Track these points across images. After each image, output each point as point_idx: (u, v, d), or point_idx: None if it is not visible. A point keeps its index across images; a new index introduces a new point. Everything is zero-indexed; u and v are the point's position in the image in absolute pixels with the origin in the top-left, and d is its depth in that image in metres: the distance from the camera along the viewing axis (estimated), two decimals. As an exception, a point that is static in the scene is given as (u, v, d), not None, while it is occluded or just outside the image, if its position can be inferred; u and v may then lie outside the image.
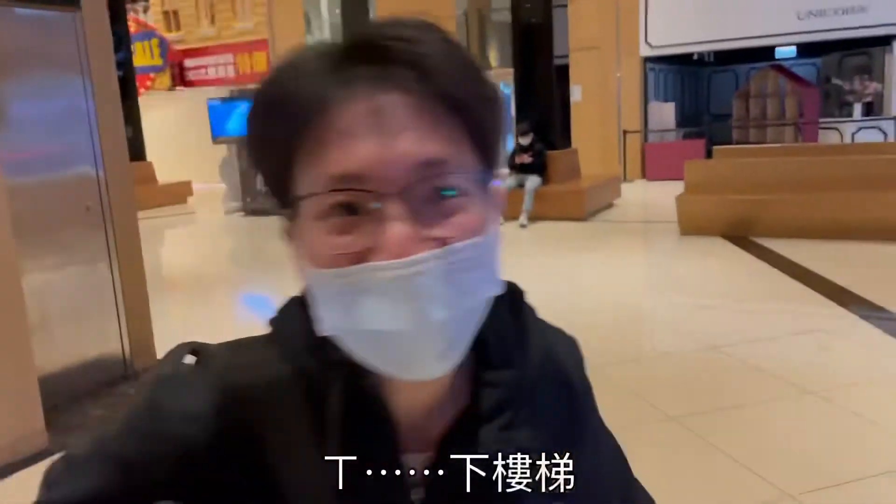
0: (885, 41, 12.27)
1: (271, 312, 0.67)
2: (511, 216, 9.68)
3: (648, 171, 13.53)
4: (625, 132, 13.73)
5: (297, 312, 0.63)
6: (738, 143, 14.23)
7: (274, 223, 0.68)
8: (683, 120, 15.80)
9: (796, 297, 5.55)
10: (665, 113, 14.21)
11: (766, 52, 15.11)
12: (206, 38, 18.92)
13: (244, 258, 9.43)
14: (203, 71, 19.14)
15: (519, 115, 10.88)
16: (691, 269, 6.88)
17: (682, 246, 7.81)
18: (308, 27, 18.56)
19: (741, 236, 7.73)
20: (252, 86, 0.65)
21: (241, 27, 18.33)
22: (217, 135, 11.93)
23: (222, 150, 12.35)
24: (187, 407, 0.61)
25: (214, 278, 7.67)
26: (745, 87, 14.71)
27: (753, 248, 7.28)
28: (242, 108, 11.44)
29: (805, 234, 7.44)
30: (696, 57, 14.07)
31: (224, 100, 12.06)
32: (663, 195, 8.88)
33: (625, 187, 12.24)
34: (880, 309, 5.03)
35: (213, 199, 13.31)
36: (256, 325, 0.70)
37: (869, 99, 12.73)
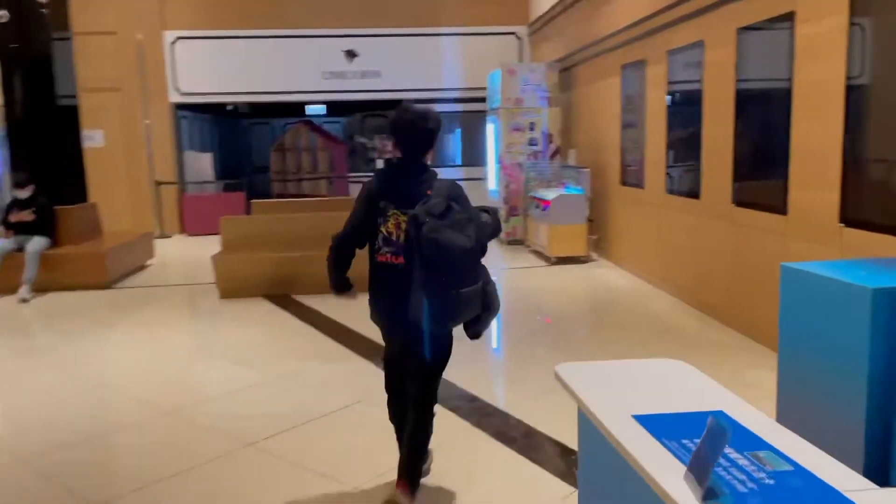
0: (397, 105, 13.72)
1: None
2: (8, 289, 7.66)
3: (188, 225, 12.56)
4: (158, 183, 12.52)
5: None
6: (278, 195, 14.28)
7: None
8: (224, 171, 15.28)
9: (333, 356, 5.31)
10: (202, 163, 13.46)
11: (298, 108, 15.66)
12: None
13: None
14: None
15: (14, 164, 8.85)
16: (229, 338, 6.19)
17: (222, 311, 7.07)
18: None
19: (284, 295, 7.38)
20: None
21: None
22: None
23: None
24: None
25: None
26: (280, 140, 14.92)
27: (294, 308, 6.97)
28: None
29: (343, 288, 7.44)
30: (230, 108, 13.70)
31: None
32: (205, 251, 8.08)
33: (161, 244, 11.04)
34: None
35: None
36: None
37: (389, 156, 14.10)
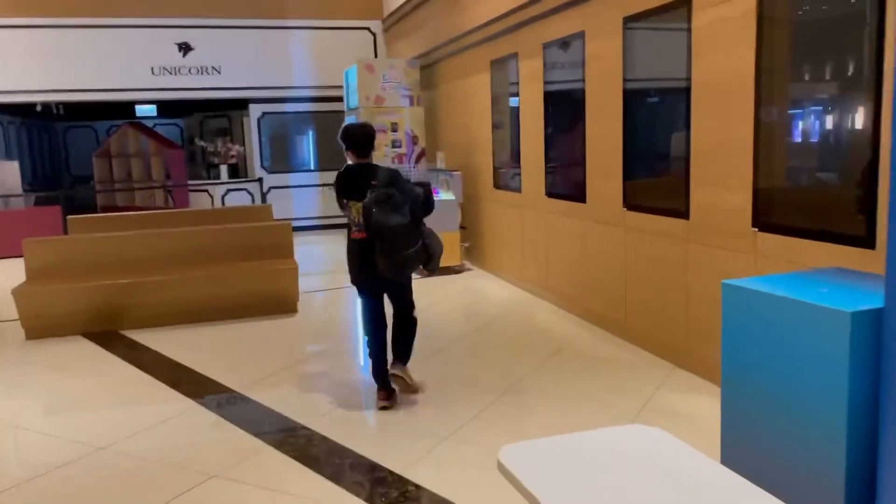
0: (242, 104, 12.46)
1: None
2: None
3: (-10, 248, 10.56)
4: (-51, 198, 10.44)
5: None
6: (104, 208, 12.51)
7: None
8: (36, 182, 13.22)
9: (174, 410, 4.24)
10: (8, 174, 11.45)
11: (126, 109, 13.86)
12: None
13: None
14: None
15: None
16: (37, 395, 4.89)
17: (27, 358, 5.69)
18: None
19: (109, 332, 6.10)
20: None
21: None
22: None
23: None
24: None
25: None
26: (105, 145, 13.10)
27: (123, 348, 5.74)
28: None
29: (184, 318, 6.32)
30: (39, 108, 11.77)
31: None
32: (12, 279, 6.56)
33: (-48, 272, 9.10)
34: (236, 394, 4.16)
35: None
36: None
37: (234, 161, 12.76)
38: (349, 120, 10.45)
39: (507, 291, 7.35)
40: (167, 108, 14.36)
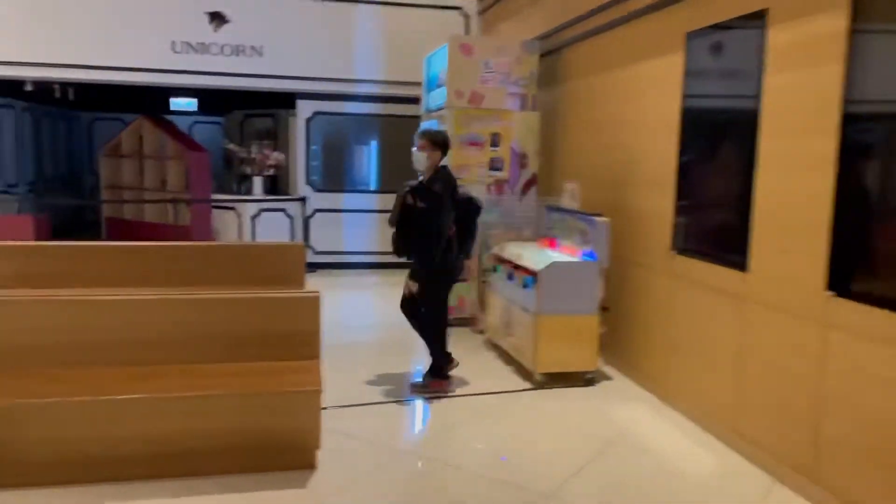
0: (288, 100, 9.52)
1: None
2: None
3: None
4: None
5: None
6: (109, 220, 9.79)
7: None
8: (41, 183, 10.60)
9: None
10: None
11: (154, 98, 11.06)
12: None
13: None
14: None
15: None
16: None
17: None
18: None
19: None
20: None
21: None
22: None
23: None
24: None
25: None
26: (115, 141, 10.37)
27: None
28: None
29: (89, 473, 3.25)
30: (30, 87, 9.07)
31: None
32: None
33: None
34: None
35: None
36: None
37: (272, 172, 9.82)
38: (430, 125, 7.35)
39: (706, 453, 3.99)
40: (207, 100, 11.58)
